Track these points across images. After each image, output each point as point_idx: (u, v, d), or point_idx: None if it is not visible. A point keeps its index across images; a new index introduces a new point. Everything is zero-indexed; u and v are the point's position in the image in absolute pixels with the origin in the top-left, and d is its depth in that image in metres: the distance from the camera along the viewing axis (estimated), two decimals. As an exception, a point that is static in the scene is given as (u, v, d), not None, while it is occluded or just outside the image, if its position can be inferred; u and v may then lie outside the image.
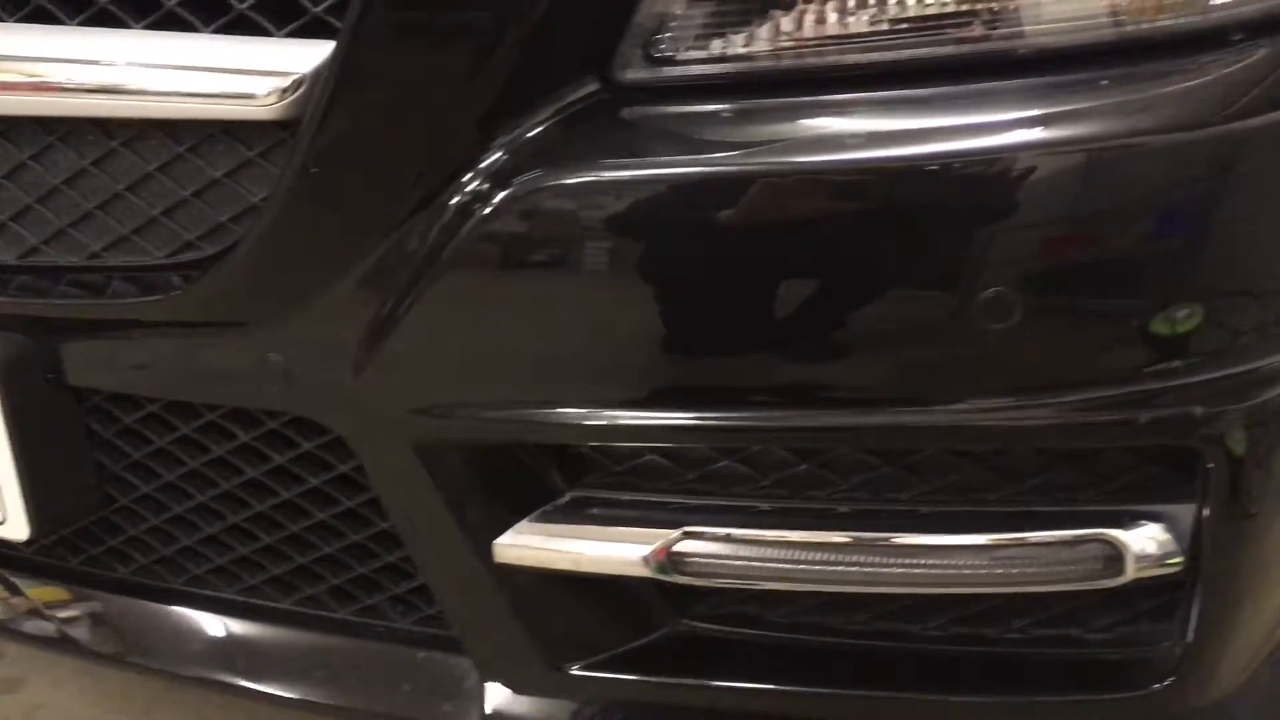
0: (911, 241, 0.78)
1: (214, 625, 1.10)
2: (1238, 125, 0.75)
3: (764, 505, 0.90)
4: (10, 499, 1.01)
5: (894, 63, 0.81)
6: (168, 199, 0.90)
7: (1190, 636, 0.88)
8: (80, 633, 1.16)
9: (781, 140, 0.81)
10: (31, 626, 1.17)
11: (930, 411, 0.81)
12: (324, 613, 1.06)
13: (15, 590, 1.18)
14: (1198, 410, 0.78)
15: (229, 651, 1.09)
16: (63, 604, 1.17)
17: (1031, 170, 0.76)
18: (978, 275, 0.77)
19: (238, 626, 1.09)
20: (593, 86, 0.84)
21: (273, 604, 1.07)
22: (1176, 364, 0.78)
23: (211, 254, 0.90)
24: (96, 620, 1.16)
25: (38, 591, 1.18)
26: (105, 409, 1.03)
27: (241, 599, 1.08)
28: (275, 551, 1.05)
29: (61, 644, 1.17)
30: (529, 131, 0.83)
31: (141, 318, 0.93)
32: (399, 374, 0.88)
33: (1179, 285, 0.77)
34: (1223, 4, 0.78)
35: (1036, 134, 0.77)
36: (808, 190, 0.79)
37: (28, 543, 1.03)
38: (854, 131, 0.80)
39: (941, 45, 0.80)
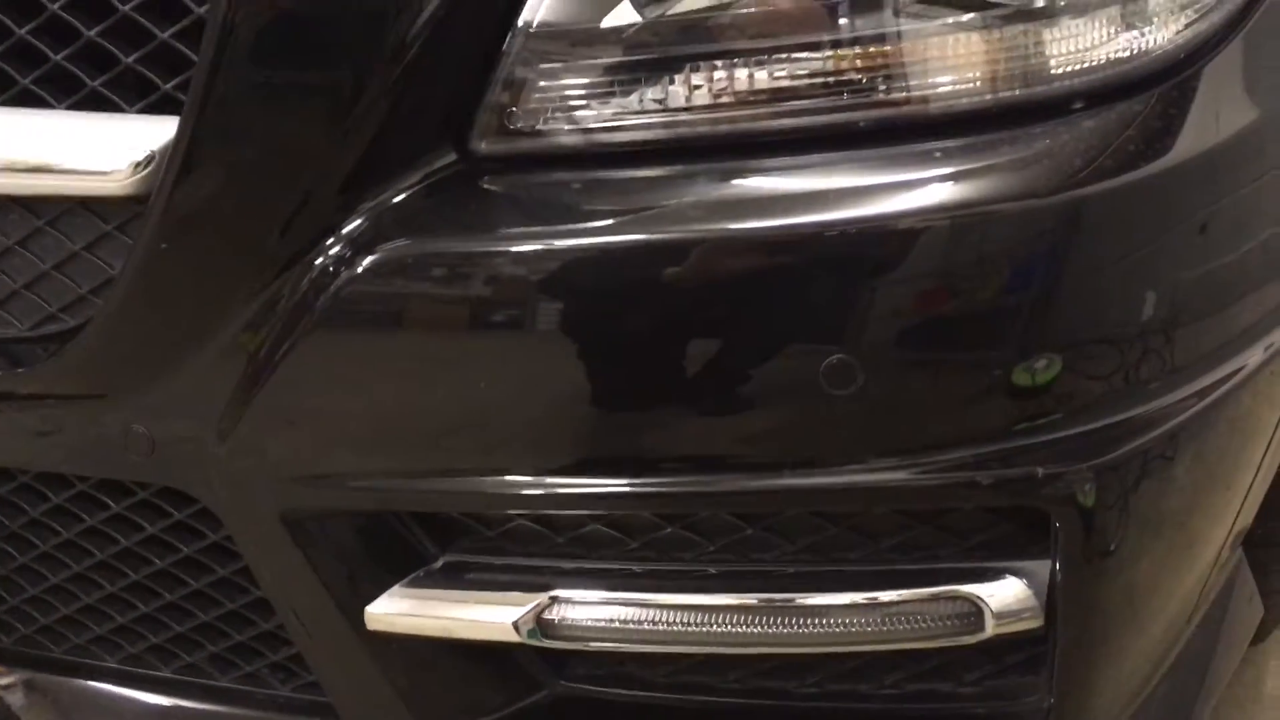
0: (754, 308, 0.79)
1: (99, 694, 1.09)
2: (1079, 192, 0.77)
3: (635, 568, 0.91)
4: (-121, 575, 1.00)
5: (743, 133, 0.82)
6: (30, 272, 0.90)
7: (1055, 690, 0.89)
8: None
9: (625, 211, 0.82)
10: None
11: (786, 475, 0.81)
12: (205, 680, 1.05)
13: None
14: (1040, 471, 0.79)
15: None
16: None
17: (875, 237, 0.78)
18: (822, 340, 0.78)
19: (122, 695, 1.08)
20: (450, 157, 0.85)
21: (155, 672, 1.06)
22: (1017, 426, 0.79)
23: (73, 326, 0.90)
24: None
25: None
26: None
27: (124, 668, 1.07)
28: (154, 620, 1.04)
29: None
30: (392, 199, 0.84)
31: (8, 389, 0.93)
32: (260, 444, 0.88)
33: (1013, 349, 0.78)
34: (1062, 74, 0.81)
35: (882, 203, 0.79)
36: (648, 260, 0.80)
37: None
38: (696, 201, 0.81)
39: (790, 117, 0.81)
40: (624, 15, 0.83)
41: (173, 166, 0.81)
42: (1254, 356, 0.86)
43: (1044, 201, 0.77)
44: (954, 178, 0.79)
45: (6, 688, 1.15)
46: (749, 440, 0.81)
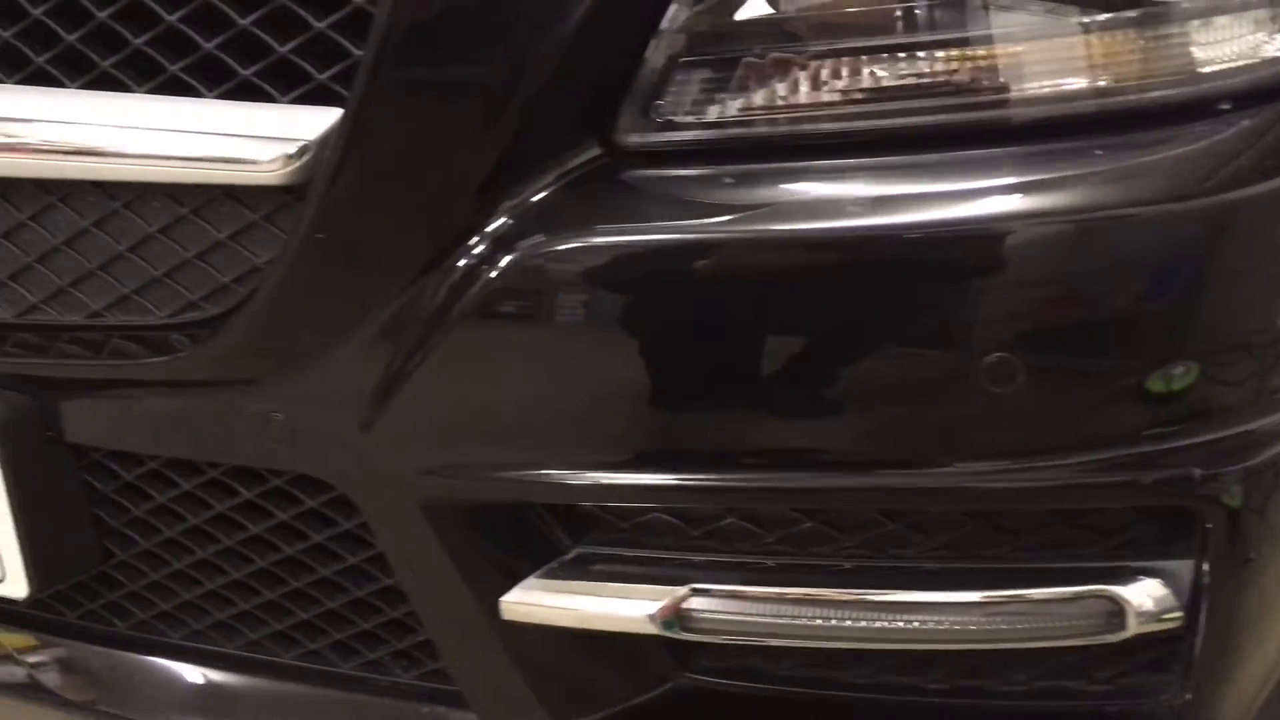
0: (913, 307, 0.79)
1: (214, 680, 1.09)
2: (1225, 196, 0.77)
3: (769, 561, 0.91)
4: (9, 558, 1.00)
5: (891, 129, 0.82)
6: (170, 260, 0.90)
7: (1190, 688, 0.89)
8: (68, 684, 1.16)
9: (778, 205, 0.82)
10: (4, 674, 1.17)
11: (934, 475, 0.82)
12: (326, 667, 1.05)
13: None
14: (1197, 472, 0.80)
15: (230, 706, 1.09)
16: (52, 656, 1.16)
17: (1029, 238, 0.78)
18: (981, 341, 0.78)
19: (239, 681, 1.08)
20: (594, 151, 0.85)
21: (274, 659, 1.07)
22: (1175, 427, 0.79)
23: (214, 314, 0.91)
24: (90, 674, 1.15)
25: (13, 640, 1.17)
26: (105, 465, 1.02)
27: (243, 654, 1.08)
28: (277, 606, 1.04)
29: (43, 695, 1.16)
30: (533, 196, 0.84)
31: (145, 377, 0.93)
32: (405, 434, 0.88)
33: (1175, 349, 0.78)
34: (1210, 74, 0.80)
35: (1034, 202, 0.79)
36: (805, 255, 0.80)
37: (26, 600, 1.03)
38: (853, 197, 0.81)
39: (935, 114, 0.81)
40: (758, 8, 0.84)
41: (333, 157, 0.81)
42: None
43: (1194, 205, 0.77)
44: (1112, 177, 0.79)
45: (38, 665, 1.16)
46: (908, 438, 0.81)
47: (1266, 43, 0.82)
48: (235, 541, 1.02)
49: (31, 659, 1.16)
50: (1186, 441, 0.79)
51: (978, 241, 0.78)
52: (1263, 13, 0.82)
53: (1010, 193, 0.79)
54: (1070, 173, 0.79)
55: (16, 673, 1.16)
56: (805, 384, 0.82)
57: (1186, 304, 0.77)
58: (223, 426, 0.94)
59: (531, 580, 0.93)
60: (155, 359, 0.91)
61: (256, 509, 1.00)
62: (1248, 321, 0.78)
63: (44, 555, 1.01)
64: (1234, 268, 0.78)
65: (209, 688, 1.09)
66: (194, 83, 0.86)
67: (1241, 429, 0.80)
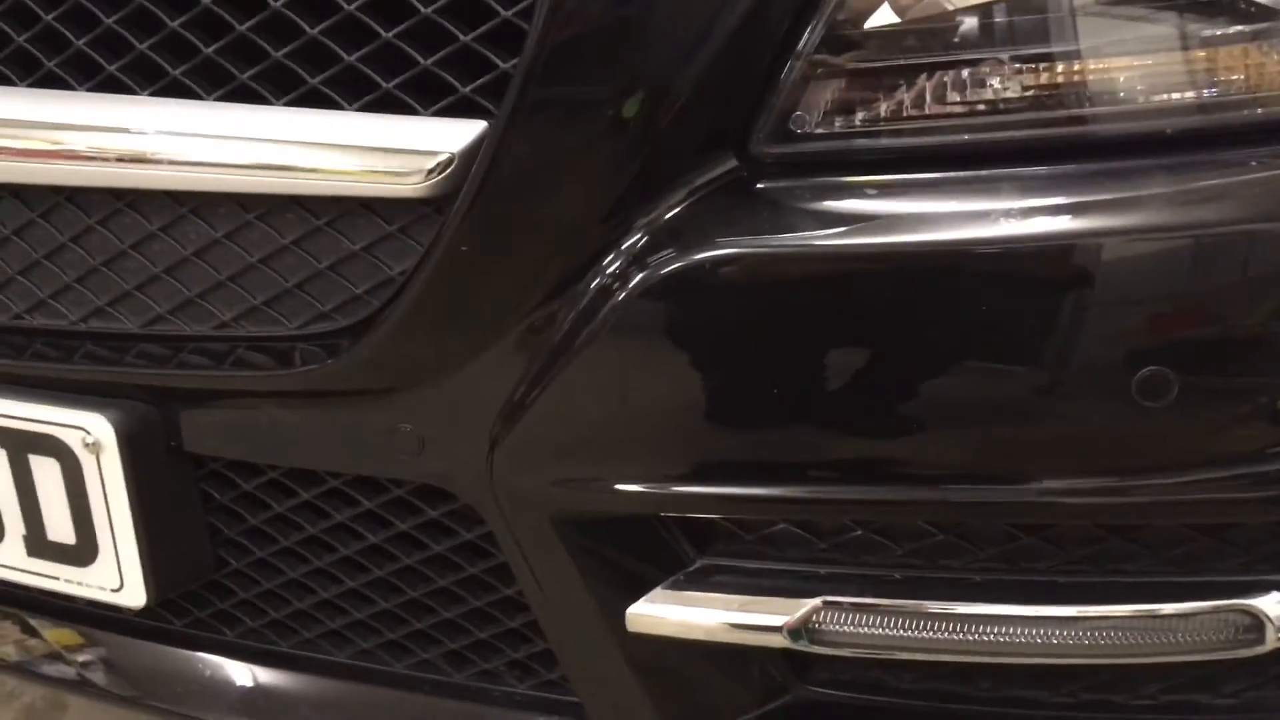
0: (1062, 318, 0.79)
1: (324, 688, 1.10)
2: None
3: (897, 574, 0.91)
4: (129, 568, 1.01)
5: (1025, 140, 0.81)
6: (303, 271, 0.91)
7: (1324, 704, 0.89)
8: (170, 691, 1.16)
9: (910, 215, 0.82)
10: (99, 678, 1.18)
11: (1071, 489, 0.81)
12: (439, 677, 1.06)
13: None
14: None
15: (341, 714, 1.09)
16: (155, 662, 1.17)
17: (1183, 249, 0.78)
18: (1132, 355, 0.78)
19: (350, 689, 1.09)
20: (730, 164, 0.85)
21: (386, 668, 1.07)
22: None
23: (345, 325, 0.91)
24: (195, 681, 1.15)
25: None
26: (223, 475, 1.03)
27: (355, 662, 1.08)
28: (392, 615, 1.05)
29: (156, 698, 1.16)
30: (668, 211, 0.84)
31: (274, 388, 0.94)
32: (535, 448, 0.88)
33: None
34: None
35: (1181, 215, 0.78)
36: (952, 267, 0.80)
37: (142, 609, 1.04)
38: (990, 209, 0.81)
39: (1067, 125, 0.81)
40: (885, 17, 0.84)
41: (479, 171, 0.82)
42: None
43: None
44: (1258, 188, 0.78)
45: (86, 664, 1.17)
46: (1049, 452, 0.81)
47: None
48: (353, 551, 1.02)
49: (123, 663, 1.17)
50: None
51: (1116, 254, 0.78)
52: None
53: (1146, 205, 0.79)
54: (1211, 184, 0.79)
55: (104, 675, 1.17)
56: (937, 396, 0.81)
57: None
58: (349, 437, 0.94)
59: (657, 592, 0.92)
60: (286, 370, 0.92)
61: (376, 518, 1.00)
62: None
63: (162, 565, 1.02)
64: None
65: (317, 696, 1.10)
66: (333, 94, 0.87)
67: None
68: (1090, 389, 0.79)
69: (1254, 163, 0.78)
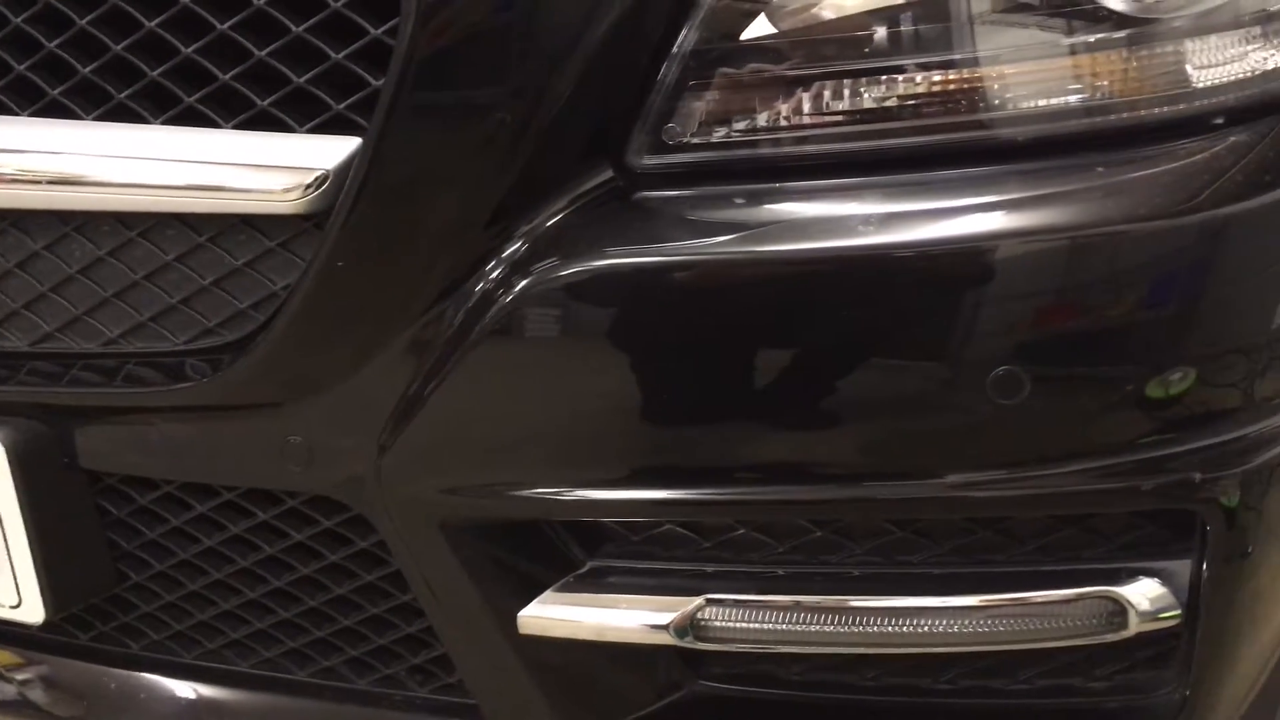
0: (918, 323, 0.82)
1: (228, 698, 1.11)
2: (1217, 211, 0.80)
3: (779, 570, 0.93)
4: (26, 584, 1.01)
5: (891, 149, 0.84)
6: (188, 287, 0.92)
7: (1188, 683, 0.92)
8: (74, 706, 1.16)
9: (782, 223, 0.84)
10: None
11: (940, 485, 0.84)
12: (341, 684, 1.07)
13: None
14: (1197, 476, 0.83)
15: (245, 724, 1.10)
16: (57, 676, 1.17)
17: (1029, 253, 0.81)
18: (985, 355, 0.81)
19: (253, 699, 1.10)
20: (607, 174, 0.87)
21: (290, 676, 1.08)
22: (1174, 433, 0.82)
23: (232, 340, 0.92)
24: (100, 695, 1.16)
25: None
26: (119, 490, 1.03)
27: (257, 672, 1.09)
28: (292, 625, 1.06)
29: (62, 711, 1.17)
30: (548, 220, 0.86)
31: (162, 403, 0.94)
32: (422, 456, 0.90)
33: (1171, 358, 0.81)
34: (1203, 90, 0.83)
35: (1031, 219, 0.81)
36: (809, 272, 0.82)
37: (42, 625, 1.04)
38: (854, 215, 0.83)
39: (933, 133, 0.84)
40: (761, 28, 0.86)
41: (352, 186, 0.83)
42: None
43: (1191, 219, 0.80)
44: (1107, 193, 0.82)
45: (26, 683, 1.17)
46: (915, 449, 0.84)
47: (1259, 58, 0.85)
48: (250, 562, 1.03)
49: (32, 678, 1.17)
50: (1186, 447, 0.82)
51: (978, 258, 0.81)
52: (1255, 29, 0.85)
53: (1008, 209, 0.82)
54: (1066, 189, 0.82)
55: (13, 691, 1.17)
56: (814, 398, 0.84)
57: (1181, 316, 0.80)
58: (239, 450, 0.95)
59: (549, 594, 0.94)
60: (174, 385, 0.92)
61: (272, 529, 1.01)
62: (1241, 330, 0.81)
63: (60, 581, 1.02)
64: (1226, 279, 0.81)
65: (222, 706, 1.11)
66: (211, 114, 0.87)
67: (1239, 433, 0.83)
68: (950, 389, 0.82)
69: (1100, 169, 0.82)
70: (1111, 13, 0.83)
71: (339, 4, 0.82)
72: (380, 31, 0.82)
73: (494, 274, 0.86)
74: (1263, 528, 0.87)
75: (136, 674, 1.12)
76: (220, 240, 0.90)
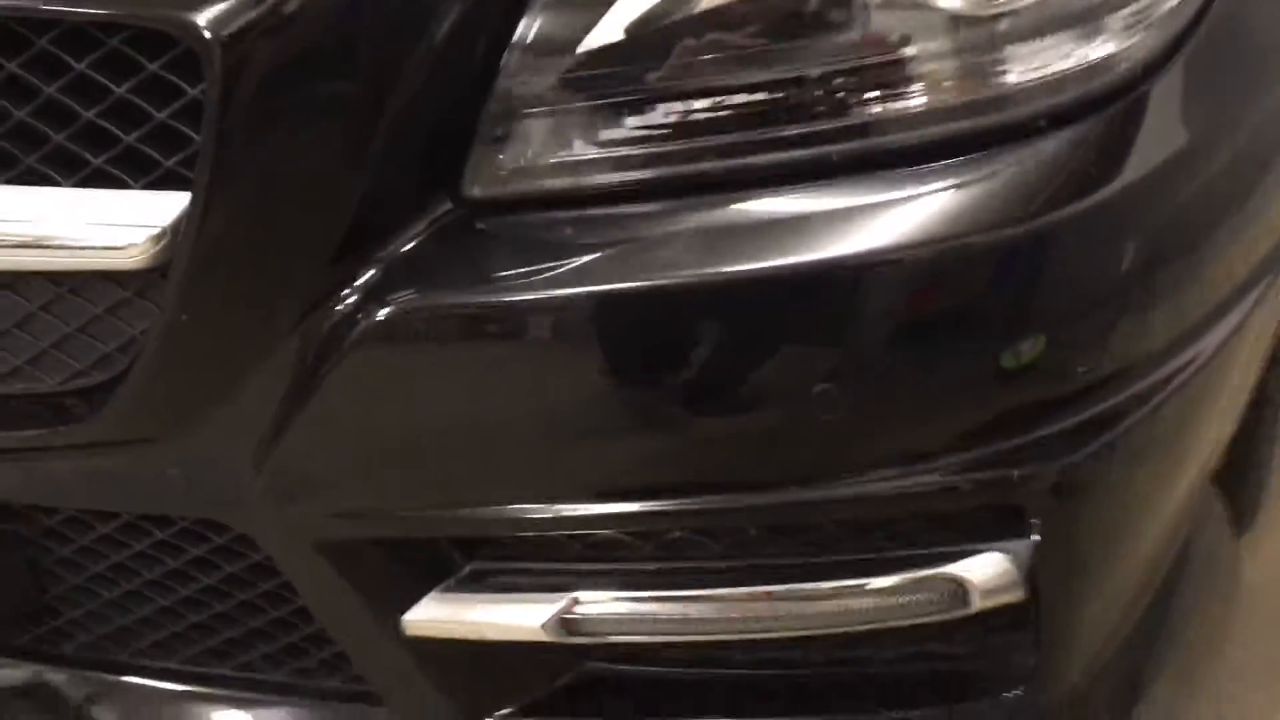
0: (742, 344, 0.84)
1: (165, 692, 1.17)
2: (1032, 225, 0.81)
3: (645, 567, 0.98)
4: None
5: (716, 169, 0.85)
6: (54, 333, 0.95)
7: (1040, 652, 0.97)
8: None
9: (613, 252, 0.86)
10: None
11: (786, 493, 0.88)
12: (260, 676, 1.13)
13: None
14: (1014, 474, 0.86)
15: (175, 713, 1.17)
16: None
17: (841, 277, 0.83)
18: (808, 372, 0.84)
19: (184, 691, 1.16)
20: (446, 205, 0.89)
21: (210, 670, 1.15)
22: (991, 434, 0.85)
23: (102, 381, 0.96)
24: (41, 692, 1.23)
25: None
26: (27, 514, 1.08)
27: (184, 668, 1.15)
28: (205, 628, 1.12)
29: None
30: (401, 247, 0.88)
31: (43, 444, 0.98)
32: (292, 481, 0.94)
33: (981, 368, 0.84)
34: (1024, 95, 0.84)
35: (852, 239, 0.83)
36: (635, 301, 0.85)
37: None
38: (679, 242, 0.85)
39: (760, 151, 0.85)
40: (592, 42, 0.86)
41: (186, 241, 0.85)
42: (1209, 342, 0.92)
43: (1014, 231, 0.81)
44: (928, 207, 0.83)
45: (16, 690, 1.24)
46: (749, 463, 0.87)
47: (1077, 57, 0.85)
48: (155, 575, 1.09)
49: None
50: (1003, 446, 0.86)
51: (798, 279, 0.83)
52: (1072, 31, 0.85)
53: (819, 232, 0.83)
54: (887, 203, 0.84)
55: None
56: (658, 418, 0.87)
57: (995, 326, 0.83)
58: (123, 482, 1.00)
59: (430, 597, 0.99)
60: (54, 427, 0.96)
61: (170, 546, 1.07)
62: (1055, 337, 0.84)
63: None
64: (1038, 291, 0.83)
65: (151, 693, 1.17)
66: (49, 172, 0.89)
67: (1055, 429, 0.86)
68: (773, 407, 0.85)
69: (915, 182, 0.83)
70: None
71: (155, 66, 0.83)
72: (198, 90, 0.83)
73: (348, 303, 0.88)
74: (1094, 507, 0.91)
75: (74, 670, 1.20)
76: (80, 290, 0.93)
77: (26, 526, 1.09)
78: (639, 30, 0.85)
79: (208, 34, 0.79)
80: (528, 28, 0.86)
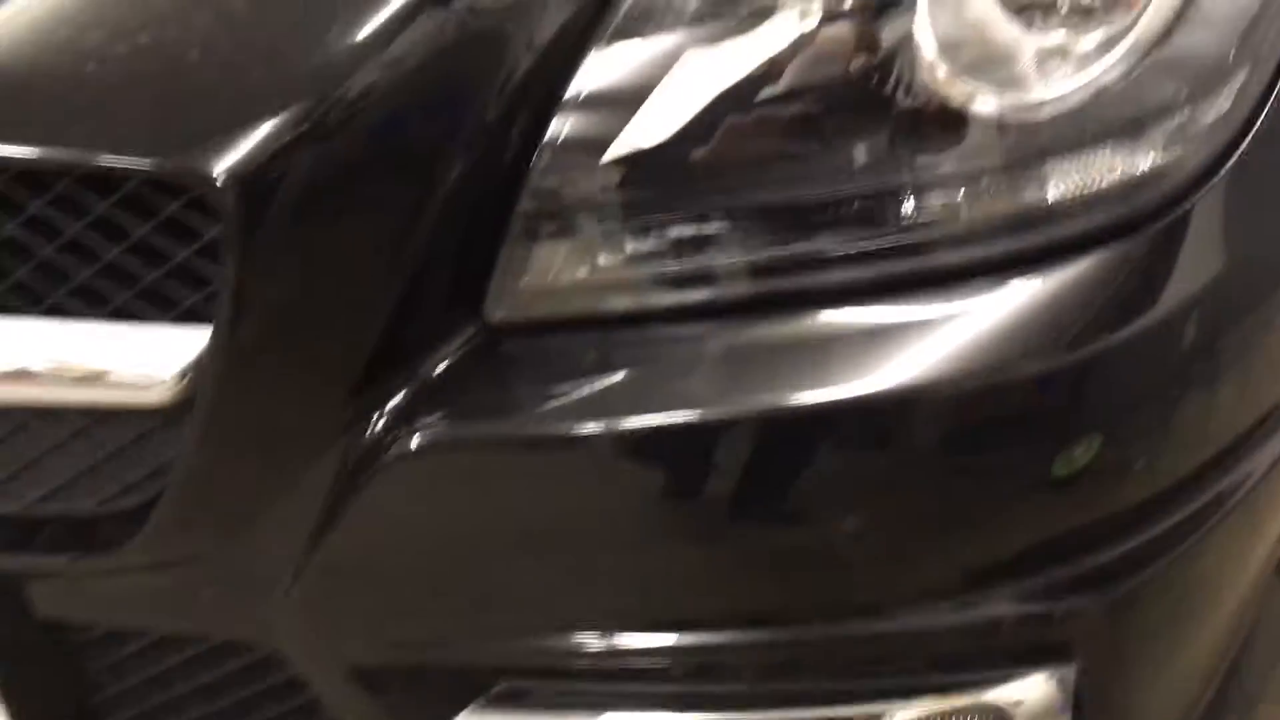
0: (783, 478, 0.82)
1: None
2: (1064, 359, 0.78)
3: (678, 689, 0.96)
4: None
5: (776, 290, 0.83)
6: (84, 461, 0.95)
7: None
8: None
9: (647, 382, 0.84)
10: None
11: (821, 626, 0.86)
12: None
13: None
14: (1058, 609, 0.83)
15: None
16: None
17: (878, 410, 0.80)
18: (837, 509, 0.81)
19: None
20: (471, 329, 0.88)
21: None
22: (1032, 569, 0.82)
23: (135, 505, 0.96)
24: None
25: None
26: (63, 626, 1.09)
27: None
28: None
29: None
30: (432, 371, 0.87)
31: (79, 570, 0.99)
32: (321, 606, 0.94)
33: (1022, 498, 0.81)
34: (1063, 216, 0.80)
35: (877, 376, 0.80)
36: (667, 438, 0.83)
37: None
38: (717, 368, 0.84)
39: (794, 274, 0.83)
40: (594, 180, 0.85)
41: (210, 376, 0.85)
42: (1261, 459, 0.88)
43: (1056, 360, 0.78)
44: (966, 334, 0.80)
45: None
46: (788, 597, 0.85)
47: (1121, 171, 0.82)
48: (195, 685, 1.09)
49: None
50: (1044, 579, 0.83)
51: (829, 412, 0.80)
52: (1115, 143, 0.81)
53: (859, 356, 0.81)
54: (921, 329, 0.81)
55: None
56: (696, 552, 0.85)
57: (1028, 462, 0.80)
58: (156, 600, 1.00)
59: (464, 715, 0.99)
60: (81, 554, 0.97)
61: (209, 657, 1.07)
62: (1099, 465, 0.80)
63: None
64: (1076, 418, 0.80)
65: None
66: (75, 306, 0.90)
67: (1100, 562, 0.83)
68: (802, 542, 0.83)
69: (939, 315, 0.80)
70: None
71: (172, 209, 0.83)
72: (215, 232, 0.83)
73: (369, 435, 0.88)
74: (1137, 634, 0.87)
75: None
76: (110, 418, 0.93)
77: (74, 635, 1.11)
78: (644, 157, 0.83)
79: (220, 182, 0.79)
80: (540, 157, 0.85)
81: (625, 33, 0.83)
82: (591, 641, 0.90)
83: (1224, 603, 0.95)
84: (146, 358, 0.87)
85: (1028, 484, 0.80)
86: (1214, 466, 0.84)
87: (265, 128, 0.80)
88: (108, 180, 0.84)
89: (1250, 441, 0.85)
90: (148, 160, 0.80)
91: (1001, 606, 0.83)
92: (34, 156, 0.82)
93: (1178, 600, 0.89)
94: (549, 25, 0.82)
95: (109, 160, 0.80)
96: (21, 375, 0.89)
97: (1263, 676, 1.24)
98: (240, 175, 0.79)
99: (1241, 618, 1.03)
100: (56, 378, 0.89)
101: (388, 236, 0.84)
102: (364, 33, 0.80)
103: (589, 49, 0.83)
